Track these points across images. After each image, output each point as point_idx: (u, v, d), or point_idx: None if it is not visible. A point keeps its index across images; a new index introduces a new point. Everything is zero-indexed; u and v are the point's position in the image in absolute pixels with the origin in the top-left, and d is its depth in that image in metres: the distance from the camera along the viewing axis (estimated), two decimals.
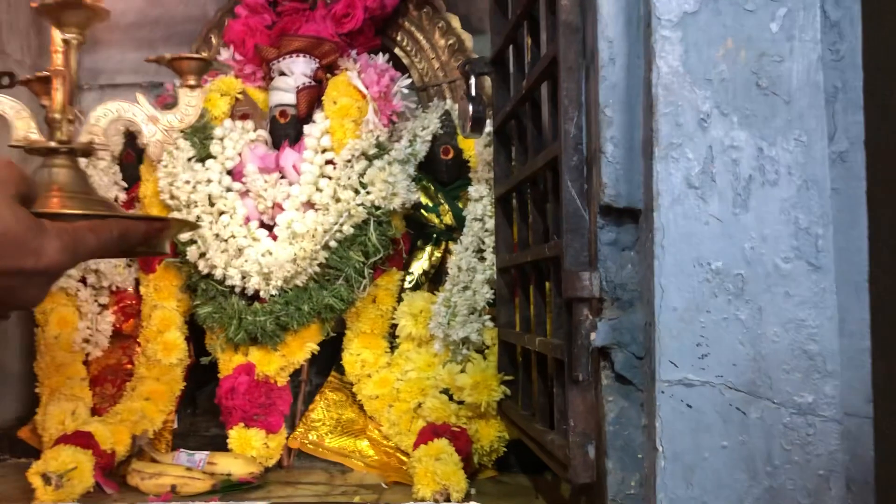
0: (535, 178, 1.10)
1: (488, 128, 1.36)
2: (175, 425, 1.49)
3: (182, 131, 1.50)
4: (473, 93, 1.33)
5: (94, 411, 1.46)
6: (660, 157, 0.78)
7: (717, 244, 0.78)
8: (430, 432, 1.28)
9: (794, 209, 0.77)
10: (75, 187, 0.79)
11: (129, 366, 1.53)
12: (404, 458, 1.35)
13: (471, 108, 1.32)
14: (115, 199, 1.54)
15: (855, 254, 0.81)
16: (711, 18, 0.79)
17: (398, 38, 1.75)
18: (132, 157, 1.57)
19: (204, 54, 1.76)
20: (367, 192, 1.42)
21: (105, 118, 0.84)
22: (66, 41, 0.77)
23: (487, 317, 1.38)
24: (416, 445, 1.28)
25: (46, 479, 1.17)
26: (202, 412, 1.55)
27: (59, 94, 0.78)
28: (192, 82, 0.88)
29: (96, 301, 1.51)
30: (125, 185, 1.56)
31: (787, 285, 0.77)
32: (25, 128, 0.79)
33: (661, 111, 0.78)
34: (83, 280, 1.49)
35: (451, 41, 1.71)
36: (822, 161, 0.78)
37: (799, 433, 0.77)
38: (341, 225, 1.41)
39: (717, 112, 0.78)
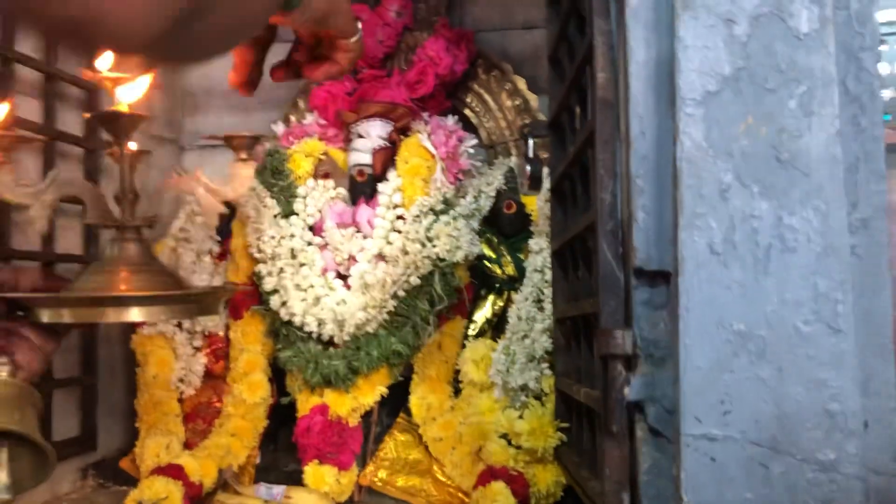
0: (582, 237, 1.17)
1: (547, 184, 1.44)
2: (258, 460, 1.61)
3: (269, 190, 1.65)
4: (531, 154, 1.42)
5: (187, 445, 1.60)
6: (684, 225, 0.84)
7: (739, 307, 0.83)
8: (488, 475, 1.35)
9: (813, 275, 0.82)
10: (139, 259, 0.91)
11: (219, 404, 1.66)
12: (466, 499, 1.42)
13: (528, 167, 1.41)
14: (210, 251, 1.70)
15: (879, 317, 0.84)
16: (733, 97, 0.85)
17: (468, 100, 1.86)
18: (225, 213, 1.73)
19: (293, 117, 1.92)
20: (433, 246, 1.52)
21: (168, 193, 0.97)
22: (119, 142, 0.89)
23: (546, 365, 1.44)
24: (475, 487, 1.35)
25: None
26: (283, 448, 1.66)
27: (124, 179, 0.90)
28: (243, 157, 0.99)
29: (190, 344, 1.65)
30: (219, 238, 1.72)
31: (808, 347, 0.81)
32: (99, 207, 0.92)
33: (686, 183, 0.85)
34: (179, 325, 1.65)
35: (517, 102, 1.81)
36: (841, 230, 0.82)
37: (822, 489, 0.80)
38: (409, 276, 1.51)
39: (737, 184, 0.84)
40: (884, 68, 2.68)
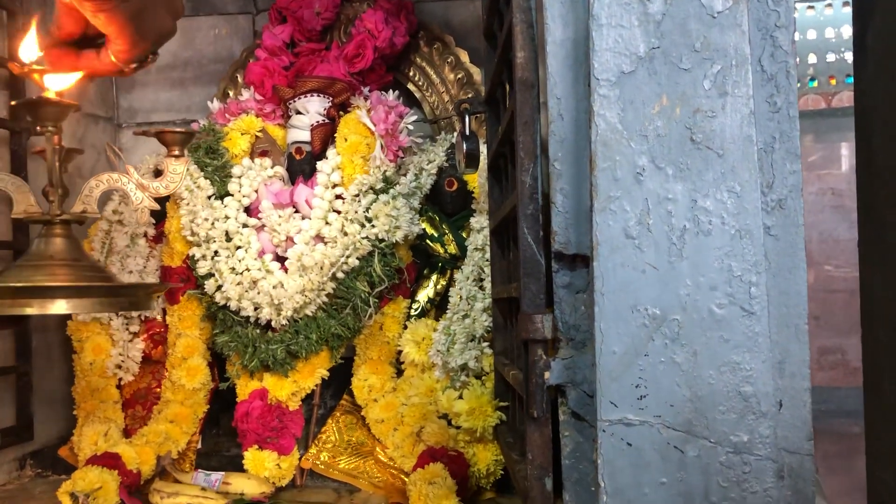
0: (512, 218, 1.16)
1: (485, 163, 1.42)
2: (199, 445, 1.59)
3: (203, 170, 1.61)
4: (468, 131, 1.39)
5: (127, 432, 1.57)
6: (598, 209, 0.83)
7: (654, 291, 0.82)
8: (427, 456, 1.34)
9: (727, 257, 0.81)
10: (68, 255, 0.89)
11: (159, 389, 1.64)
12: (407, 480, 1.42)
13: (465, 145, 1.38)
14: (144, 234, 1.66)
15: (794, 297, 0.84)
16: (647, 77, 0.83)
17: (410, 74, 1.82)
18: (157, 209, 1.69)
19: (231, 92, 1.87)
20: (372, 226, 1.50)
21: (98, 188, 0.94)
22: (46, 130, 0.87)
23: (486, 344, 1.43)
24: (414, 468, 1.34)
25: (74, 497, 1.28)
26: (225, 433, 1.65)
27: (52, 173, 0.88)
28: (176, 152, 0.97)
29: (127, 329, 1.62)
30: (153, 221, 1.67)
31: (722, 330, 0.81)
32: (25, 202, 0.89)
33: (600, 166, 0.83)
34: None
35: (459, 75, 1.78)
36: (755, 211, 0.81)
37: (735, 471, 0.81)
38: (347, 257, 1.49)
39: (652, 166, 0.83)
40: (811, 34, 2.68)
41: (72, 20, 0.82)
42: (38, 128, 0.87)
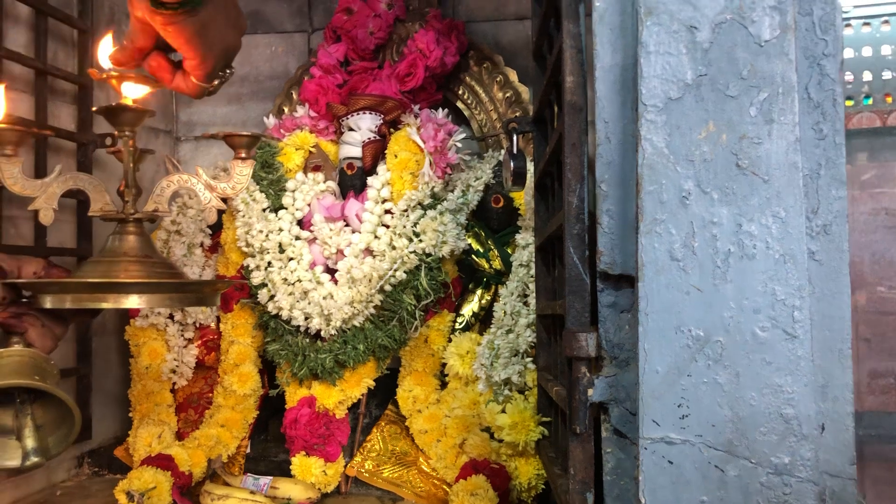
0: (558, 236, 1.18)
1: (531, 181, 1.44)
2: (248, 450, 1.64)
3: (258, 183, 1.67)
4: (515, 150, 1.42)
5: (179, 435, 1.63)
6: (644, 231, 0.85)
7: (698, 313, 0.83)
8: (470, 468, 1.37)
9: (771, 281, 0.82)
10: (140, 252, 0.94)
11: (211, 395, 1.69)
12: (450, 491, 1.44)
13: (512, 163, 1.41)
14: (201, 244, 1.72)
15: (838, 322, 0.85)
16: (694, 104, 0.85)
17: (460, 92, 1.86)
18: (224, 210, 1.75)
19: (286, 108, 1.94)
20: (419, 240, 1.54)
21: (169, 189, 0.99)
22: (123, 135, 0.93)
23: (530, 359, 1.45)
24: (457, 479, 1.37)
25: (130, 496, 1.34)
26: (273, 439, 1.70)
27: (127, 174, 0.93)
28: (243, 155, 1.01)
29: (182, 336, 1.68)
30: (210, 231, 1.74)
31: (765, 353, 0.82)
32: (101, 200, 0.95)
33: (646, 189, 0.85)
34: (171, 317, 1.68)
35: (508, 94, 1.81)
36: (799, 236, 0.82)
37: (776, 492, 0.81)
38: (395, 271, 1.53)
39: (698, 190, 0.84)
40: (866, 51, 2.65)
41: (144, 34, 0.88)
42: (115, 133, 0.93)
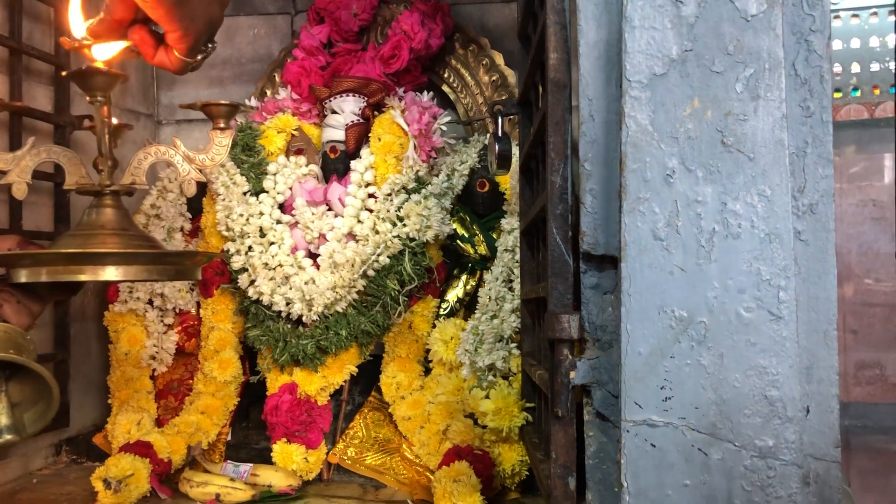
0: (542, 218, 1.16)
1: (517, 164, 1.42)
2: (229, 437, 1.62)
3: (239, 166, 1.64)
4: (500, 133, 1.40)
5: (159, 422, 1.61)
6: (627, 210, 0.83)
7: (681, 293, 0.82)
8: (453, 454, 1.35)
9: (756, 261, 0.81)
10: (117, 224, 0.92)
11: (191, 381, 1.67)
12: (432, 478, 1.42)
13: (497, 146, 1.39)
14: (181, 229, 1.70)
15: (823, 303, 0.84)
16: (679, 80, 0.83)
17: (445, 75, 1.84)
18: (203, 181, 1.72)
19: (268, 91, 1.90)
20: (403, 225, 1.52)
21: (146, 161, 0.96)
22: (95, 100, 0.90)
23: (514, 345, 1.44)
24: (439, 466, 1.35)
25: (107, 483, 1.32)
26: (254, 426, 1.67)
27: (101, 143, 0.91)
28: (221, 125, 0.99)
29: (162, 321, 1.66)
30: (190, 215, 1.71)
31: (749, 334, 0.81)
32: (77, 173, 0.92)
33: (630, 167, 0.83)
34: (150, 302, 1.65)
35: (494, 77, 1.79)
36: (785, 215, 0.81)
37: (759, 475, 0.80)
38: (378, 255, 1.50)
39: (682, 168, 0.83)
40: (855, 43, 2.64)
41: (123, 5, 0.85)
42: (87, 98, 0.90)
